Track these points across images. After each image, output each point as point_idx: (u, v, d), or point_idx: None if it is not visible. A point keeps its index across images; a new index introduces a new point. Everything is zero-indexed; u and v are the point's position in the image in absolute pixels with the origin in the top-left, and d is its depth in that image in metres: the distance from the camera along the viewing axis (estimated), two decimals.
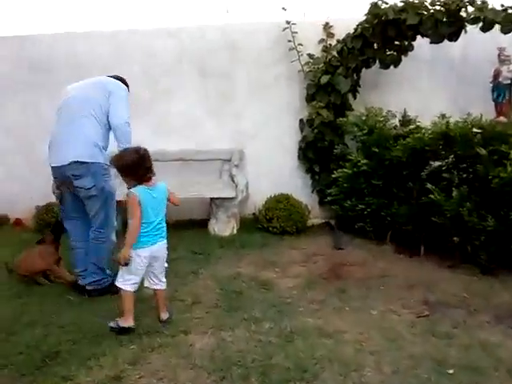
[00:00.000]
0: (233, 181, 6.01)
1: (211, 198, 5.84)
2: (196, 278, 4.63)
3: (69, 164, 4.01)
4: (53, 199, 6.11)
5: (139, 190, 3.49)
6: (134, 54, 6.28)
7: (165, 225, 3.71)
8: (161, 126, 6.29)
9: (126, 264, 3.46)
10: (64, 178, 4.10)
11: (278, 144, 6.28)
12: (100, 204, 4.16)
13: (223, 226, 5.80)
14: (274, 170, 6.30)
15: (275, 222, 5.74)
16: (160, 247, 3.65)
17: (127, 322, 3.57)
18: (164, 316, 3.75)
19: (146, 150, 3.57)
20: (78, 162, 4.00)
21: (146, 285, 3.73)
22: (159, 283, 3.74)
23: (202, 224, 6.04)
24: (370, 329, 3.60)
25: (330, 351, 3.30)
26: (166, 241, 3.73)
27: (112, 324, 3.59)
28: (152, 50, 6.27)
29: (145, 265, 3.56)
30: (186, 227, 6.08)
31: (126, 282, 3.55)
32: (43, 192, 6.16)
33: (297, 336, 3.51)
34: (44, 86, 6.05)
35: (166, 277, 3.79)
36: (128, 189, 3.55)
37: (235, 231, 5.88)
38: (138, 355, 3.30)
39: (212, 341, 3.49)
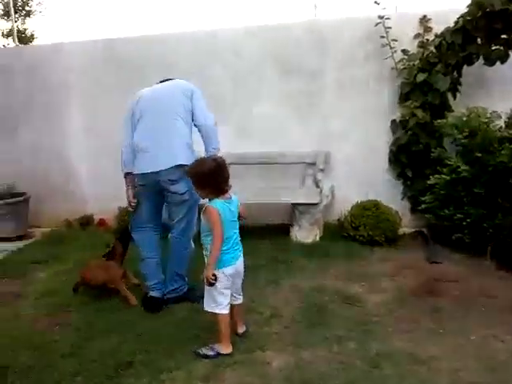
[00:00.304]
0: (317, 185, 5.68)
1: (294, 204, 5.53)
2: (276, 288, 4.35)
3: (166, 169, 3.79)
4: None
5: (218, 204, 3.19)
6: (217, 55, 6.10)
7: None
8: (244, 128, 6.07)
9: (212, 284, 3.15)
10: (155, 184, 3.87)
11: (366, 146, 5.88)
12: (187, 209, 3.98)
13: (306, 233, 5.48)
14: (361, 174, 5.92)
15: (362, 230, 5.34)
16: (241, 262, 3.40)
17: (226, 348, 3.29)
18: (241, 330, 3.52)
19: (223, 159, 3.27)
20: (177, 165, 3.80)
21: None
22: (238, 298, 3.49)
23: (284, 230, 5.75)
24: (468, 356, 3.18)
25: (422, 381, 2.94)
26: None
27: (207, 351, 3.28)
28: (236, 50, 6.06)
29: (230, 283, 3.30)
30: (267, 233, 5.82)
31: (219, 305, 3.27)
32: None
33: (384, 361, 3.17)
34: (132, 87, 5.97)
35: (242, 288, 3.53)
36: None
37: (318, 238, 5.54)
38: (211, 371, 3.10)
39: (290, 360, 3.20)
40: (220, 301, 3.25)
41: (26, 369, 3.16)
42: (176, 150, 3.83)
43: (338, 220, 5.78)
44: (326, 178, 5.69)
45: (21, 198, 6.30)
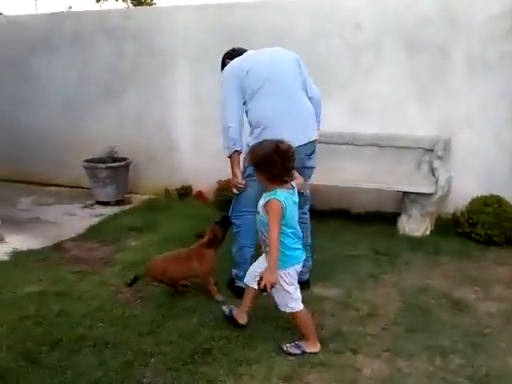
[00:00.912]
0: (433, 174, 5.18)
1: (405, 192, 5.09)
2: (376, 283, 4.00)
3: (304, 144, 3.51)
4: None
5: (282, 195, 2.84)
6: (335, 26, 5.69)
7: None
8: (358, 106, 5.66)
9: (272, 287, 2.84)
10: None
11: (493, 136, 5.25)
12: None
13: (415, 225, 5.03)
14: (484, 165, 5.31)
15: (480, 228, 4.80)
16: None
17: (313, 346, 3.03)
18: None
19: (289, 145, 2.88)
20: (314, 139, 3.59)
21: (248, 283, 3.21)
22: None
23: (391, 219, 5.33)
24: None
25: None
26: None
27: (292, 349, 3.01)
28: (354, 22, 5.61)
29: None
30: (372, 221, 5.44)
31: (297, 302, 3.01)
32: (227, 166, 6.03)
33: (495, 382, 2.76)
34: None
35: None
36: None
37: (428, 232, 5.07)
38: (294, 370, 2.85)
39: (384, 369, 2.88)
40: (296, 297, 2.99)
41: (101, 343, 3.06)
42: (311, 123, 3.62)
43: (453, 214, 5.26)
44: (443, 167, 5.16)
45: (122, 163, 6.32)
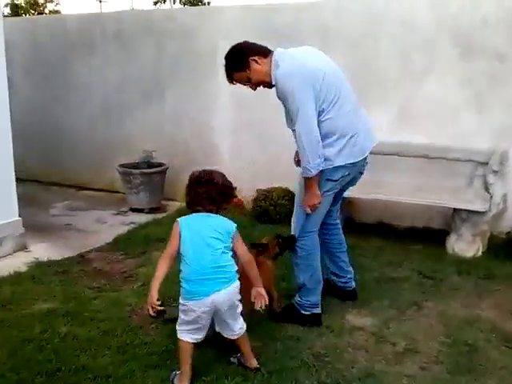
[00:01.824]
0: (487, 190, 4.74)
1: (455, 209, 4.67)
2: (418, 312, 3.62)
3: (364, 158, 3.34)
4: (275, 183, 5.72)
5: (183, 219, 2.78)
6: (387, 25, 5.30)
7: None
8: (406, 112, 5.27)
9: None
10: (357, 172, 3.42)
11: None
12: None
13: (465, 246, 4.60)
14: None
15: None
16: (221, 297, 2.68)
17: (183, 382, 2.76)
18: (254, 363, 2.89)
19: (215, 175, 2.82)
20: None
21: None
22: (233, 333, 2.84)
23: (439, 237, 4.91)
24: None
25: None
26: None
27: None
28: (409, 21, 5.21)
29: (198, 319, 2.72)
30: (418, 238, 5.02)
31: (180, 327, 2.79)
32: (268, 174, 5.78)
33: None
34: None
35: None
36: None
37: (480, 253, 4.63)
38: None
39: None
40: (181, 325, 2.75)
41: (102, 376, 2.80)
42: (371, 128, 3.43)
43: (508, 234, 4.79)
44: (498, 183, 4.72)
45: (158, 169, 6.10)
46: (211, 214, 2.73)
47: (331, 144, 3.16)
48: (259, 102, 5.71)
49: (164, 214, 5.96)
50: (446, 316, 3.54)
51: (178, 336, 2.74)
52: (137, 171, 5.97)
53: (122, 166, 6.13)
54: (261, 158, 5.94)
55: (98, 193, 6.85)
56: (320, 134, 3.08)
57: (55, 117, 7.18)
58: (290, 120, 3.15)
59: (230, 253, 2.72)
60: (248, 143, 5.98)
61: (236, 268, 2.73)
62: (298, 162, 3.44)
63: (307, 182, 3.19)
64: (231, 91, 6.01)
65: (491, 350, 3.14)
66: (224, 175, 2.82)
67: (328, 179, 3.22)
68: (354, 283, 3.77)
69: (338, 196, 3.51)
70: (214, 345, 3.01)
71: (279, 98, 3.14)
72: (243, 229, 5.16)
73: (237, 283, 2.72)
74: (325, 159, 3.11)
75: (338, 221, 3.73)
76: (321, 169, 3.10)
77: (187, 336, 2.72)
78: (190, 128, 6.38)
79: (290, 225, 3.56)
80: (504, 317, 3.54)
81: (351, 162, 3.23)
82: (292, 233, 3.45)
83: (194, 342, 2.73)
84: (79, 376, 2.81)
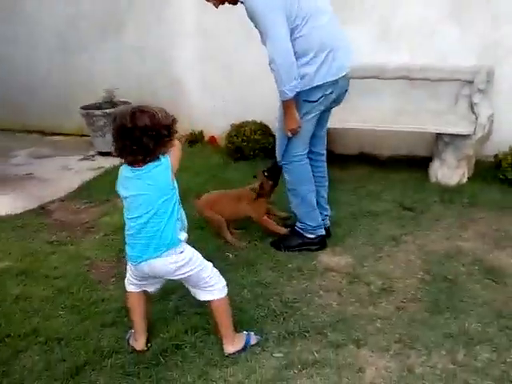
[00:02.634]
0: (472, 111, 4.40)
1: (438, 134, 4.36)
2: (396, 247, 3.38)
3: (346, 74, 3.12)
4: (248, 117, 5.37)
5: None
6: None
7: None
8: (384, 31, 4.83)
9: None
10: (341, 91, 3.19)
11: None
12: None
13: (449, 172, 4.32)
14: None
15: None
16: (151, 266, 2.35)
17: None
18: (229, 349, 2.46)
19: (136, 110, 2.22)
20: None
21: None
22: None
23: (422, 165, 4.62)
24: None
25: None
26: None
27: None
28: None
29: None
30: (401, 167, 4.73)
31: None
32: (240, 107, 5.42)
33: None
34: None
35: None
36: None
37: (465, 180, 4.35)
38: (279, 374, 2.31)
39: (393, 367, 2.33)
40: (128, 274, 2.50)
41: (53, 339, 2.58)
42: (350, 44, 3.19)
43: (495, 157, 4.51)
44: (484, 103, 4.37)
45: None
46: (143, 167, 2.23)
47: (308, 63, 2.96)
48: (227, 29, 5.30)
49: None
50: (425, 250, 3.31)
51: (126, 288, 2.52)
52: (99, 112, 5.59)
53: (84, 107, 5.74)
54: (231, 90, 5.54)
55: (65, 137, 6.41)
56: (295, 53, 2.89)
57: (11, 58, 6.59)
58: (262, 39, 2.96)
59: (172, 209, 2.29)
60: (216, 75, 5.57)
61: (181, 233, 2.35)
62: None
63: (284, 104, 3.01)
64: (196, 18, 5.57)
65: (473, 284, 2.92)
66: (156, 112, 2.21)
67: (306, 100, 3.04)
68: (328, 222, 3.58)
69: (322, 119, 3.30)
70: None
71: (250, 18, 2.93)
72: (217, 167, 4.98)
73: (180, 252, 2.31)
74: (302, 79, 2.92)
75: (325, 152, 3.51)
76: (298, 90, 2.92)
77: (133, 286, 2.48)
78: (153, 62, 5.88)
79: (265, 160, 3.59)
80: (487, 247, 3.31)
81: (331, 79, 3.02)
82: (277, 158, 3.35)
83: (141, 290, 2.49)
84: (29, 340, 2.60)
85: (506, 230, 3.51)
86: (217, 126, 5.61)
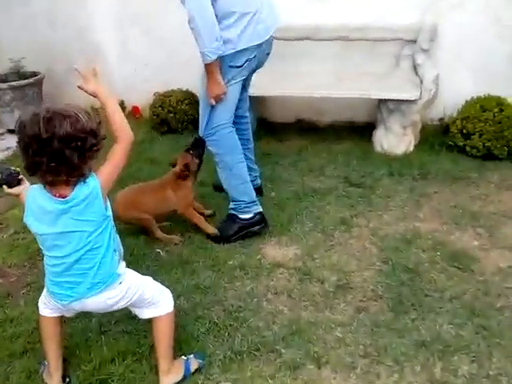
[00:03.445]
0: (416, 73, 4.07)
1: (380, 99, 4.01)
2: (347, 233, 3.02)
3: (270, 37, 2.91)
4: (173, 86, 4.84)
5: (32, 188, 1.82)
6: None
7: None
8: None
9: None
10: (263, 54, 2.96)
11: (493, 19, 4.05)
12: None
13: (395, 140, 3.99)
14: (481, 59, 4.18)
15: (476, 139, 3.78)
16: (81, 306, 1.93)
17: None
18: (165, 381, 2.04)
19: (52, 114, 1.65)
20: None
21: None
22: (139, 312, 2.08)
23: (364, 132, 4.28)
24: None
25: None
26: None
27: None
28: None
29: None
30: (342, 136, 4.36)
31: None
32: (164, 75, 4.86)
33: None
34: None
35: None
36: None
37: (412, 148, 4.03)
38: None
39: None
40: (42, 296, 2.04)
41: None
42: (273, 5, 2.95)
43: (441, 121, 4.22)
44: (429, 63, 4.04)
45: (31, 80, 4.98)
46: (68, 198, 1.71)
47: (231, 25, 2.75)
48: None
49: None
50: (380, 235, 2.97)
51: (39, 310, 2.04)
52: (4, 85, 4.86)
53: None
54: (153, 57, 4.95)
55: None
56: (216, 16, 2.66)
57: None
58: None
59: (108, 241, 1.83)
60: (137, 41, 4.96)
61: (119, 265, 1.92)
62: None
63: (207, 68, 2.77)
64: None
65: (437, 273, 2.61)
66: (77, 115, 1.66)
67: (231, 66, 2.82)
68: (260, 180, 3.44)
69: (245, 82, 3.08)
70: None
71: None
72: (142, 144, 4.44)
73: (119, 284, 1.89)
74: (225, 43, 2.71)
75: (248, 114, 3.32)
76: (220, 53, 2.70)
77: (49, 311, 2.01)
78: (66, 26, 5.14)
79: (194, 133, 3.20)
80: (446, 228, 3.01)
81: (256, 43, 2.82)
82: (199, 133, 3.04)
83: (59, 316, 2.02)
84: None
85: (463, 206, 3.22)
86: (140, 95, 5.03)
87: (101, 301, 1.87)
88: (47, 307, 2.00)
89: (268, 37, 2.87)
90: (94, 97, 1.90)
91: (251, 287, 2.59)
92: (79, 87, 1.91)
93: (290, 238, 2.98)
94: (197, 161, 3.06)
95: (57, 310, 1.99)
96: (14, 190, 1.90)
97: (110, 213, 1.84)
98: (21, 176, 1.90)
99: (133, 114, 5.15)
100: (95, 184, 1.74)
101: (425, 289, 2.50)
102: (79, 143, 1.64)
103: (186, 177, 3.02)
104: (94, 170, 1.76)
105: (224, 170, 3.04)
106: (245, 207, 3.03)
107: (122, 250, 1.99)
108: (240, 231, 3.02)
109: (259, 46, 2.84)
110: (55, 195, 1.71)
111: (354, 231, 3.02)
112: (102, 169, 1.79)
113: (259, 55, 2.89)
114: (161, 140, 4.51)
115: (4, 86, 4.88)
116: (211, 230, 3.03)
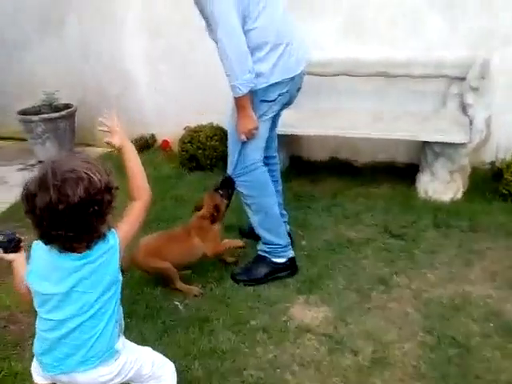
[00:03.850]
0: (465, 114, 3.74)
1: (425, 141, 3.67)
2: (387, 294, 2.68)
3: (302, 71, 2.75)
4: (204, 120, 4.62)
5: (36, 245, 1.62)
6: None
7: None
8: (356, 20, 4.11)
9: None
10: (295, 89, 2.79)
11: None
12: None
13: (441, 187, 3.64)
14: None
15: None
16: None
17: None
18: None
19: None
20: None
21: None
22: None
23: (406, 174, 3.95)
24: None
25: None
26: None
27: None
28: None
29: None
30: (380, 178, 4.04)
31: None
32: (195, 108, 4.65)
33: None
34: None
35: None
36: None
37: (460, 195, 3.68)
38: None
39: None
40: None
41: None
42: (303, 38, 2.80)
43: (492, 164, 3.86)
44: (479, 103, 3.70)
45: (63, 113, 4.90)
46: (84, 253, 1.54)
47: (263, 58, 2.59)
48: (180, 23, 4.54)
49: None
50: (423, 298, 2.61)
51: (33, 377, 1.78)
52: (37, 118, 4.82)
53: (22, 112, 4.95)
54: (184, 90, 4.77)
55: (4, 142, 5.55)
56: (248, 47, 2.50)
57: None
58: (211, 29, 2.56)
59: (113, 309, 1.63)
60: (168, 74, 4.80)
61: (118, 341, 1.68)
62: None
63: (238, 103, 2.59)
64: (141, 13, 4.79)
65: (491, 350, 2.24)
66: (88, 173, 1.46)
67: (263, 100, 2.66)
68: (288, 226, 3.16)
69: (275, 119, 2.92)
70: None
71: (195, 3, 2.55)
72: (168, 180, 4.21)
73: (115, 360, 1.66)
74: (257, 76, 2.55)
75: (276, 154, 3.14)
76: (252, 86, 2.53)
77: (42, 378, 1.73)
78: (98, 59, 5.09)
79: (224, 171, 3.00)
80: (502, 293, 2.62)
81: (289, 76, 2.67)
82: (227, 171, 2.85)
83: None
84: None
85: None
86: (170, 128, 4.83)
87: (93, 377, 1.63)
88: (39, 374, 1.74)
89: (300, 70, 2.71)
90: (118, 151, 1.78)
91: (274, 355, 2.28)
92: (107, 143, 1.80)
93: (321, 296, 2.66)
94: (226, 201, 2.86)
95: (49, 378, 1.73)
96: (9, 256, 1.74)
97: (120, 277, 1.64)
98: (22, 244, 1.77)
99: (163, 148, 4.99)
100: (115, 242, 1.58)
101: (475, 368, 2.14)
102: (96, 207, 1.46)
103: (215, 219, 2.80)
104: (112, 226, 1.58)
105: (258, 213, 2.84)
106: (280, 251, 2.86)
107: (123, 323, 1.74)
108: (270, 275, 2.84)
109: (292, 79, 2.68)
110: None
111: (394, 292, 2.67)
112: (120, 226, 1.64)
113: (291, 90, 2.73)
114: (188, 177, 4.29)
115: (36, 118, 4.86)
116: (239, 242, 2.95)
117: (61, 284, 1.55)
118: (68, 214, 1.42)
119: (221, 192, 2.85)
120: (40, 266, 1.59)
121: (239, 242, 2.95)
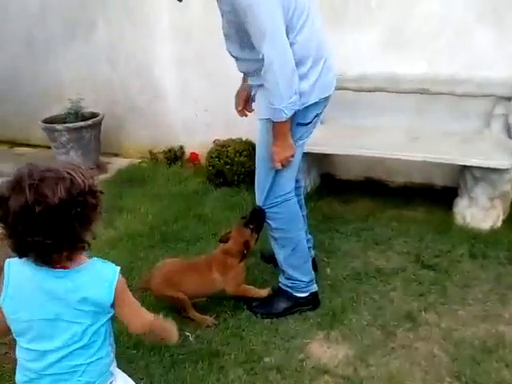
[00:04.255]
0: (510, 136, 3.50)
1: (465, 166, 3.45)
2: (413, 332, 2.47)
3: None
4: (233, 132, 4.50)
5: (12, 263, 1.45)
6: None
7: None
8: (397, 34, 3.90)
9: None
10: (322, 110, 2.55)
11: None
12: None
13: (480, 213, 3.40)
14: None
15: None
16: None
17: None
18: None
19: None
20: None
21: None
22: None
23: (443, 198, 3.73)
24: None
25: None
26: None
27: None
28: None
29: None
30: (415, 201, 3.82)
31: None
32: (224, 121, 4.53)
33: None
34: None
35: None
36: None
37: (500, 223, 3.43)
38: None
39: None
40: None
41: None
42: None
43: None
44: None
45: (88, 122, 4.80)
46: (60, 270, 1.40)
47: (305, 75, 2.33)
48: (207, 31, 4.40)
49: (104, 176, 4.73)
50: (453, 338, 2.40)
51: None
52: (61, 127, 4.72)
53: (46, 120, 4.89)
54: (214, 101, 4.64)
55: (32, 149, 5.52)
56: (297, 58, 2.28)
57: None
58: (241, 43, 2.32)
59: (105, 334, 1.50)
60: (197, 84, 4.68)
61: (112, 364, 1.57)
62: (242, 110, 2.87)
63: (278, 128, 2.32)
64: (170, 18, 4.68)
65: None
66: (71, 173, 1.33)
67: (299, 123, 2.40)
68: (313, 252, 2.98)
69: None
70: None
71: (223, 10, 2.29)
72: (194, 196, 4.11)
73: None
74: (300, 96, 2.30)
75: (301, 177, 2.92)
76: (296, 109, 2.27)
77: None
78: (127, 66, 4.99)
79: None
80: None
81: (327, 94, 2.45)
82: (257, 202, 2.61)
83: None
84: None
85: None
86: (199, 141, 4.73)
87: None
88: None
89: (331, 92, 2.48)
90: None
91: None
92: None
93: (342, 333, 2.48)
94: (256, 236, 2.64)
95: None
96: None
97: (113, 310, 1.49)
98: None
99: (190, 161, 4.88)
100: (113, 277, 1.44)
101: None
102: (79, 209, 1.31)
103: (243, 257, 2.60)
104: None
105: (285, 248, 2.63)
106: (303, 286, 2.67)
107: (115, 346, 1.61)
108: (291, 308, 2.67)
109: (327, 98, 2.47)
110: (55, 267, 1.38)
111: (422, 331, 2.47)
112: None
113: (322, 111, 2.51)
114: (214, 193, 4.15)
115: (61, 127, 4.76)
116: (264, 292, 2.69)
117: (44, 309, 1.40)
118: (46, 217, 1.27)
119: (251, 226, 2.62)
120: (18, 288, 1.42)
121: (264, 292, 2.70)
